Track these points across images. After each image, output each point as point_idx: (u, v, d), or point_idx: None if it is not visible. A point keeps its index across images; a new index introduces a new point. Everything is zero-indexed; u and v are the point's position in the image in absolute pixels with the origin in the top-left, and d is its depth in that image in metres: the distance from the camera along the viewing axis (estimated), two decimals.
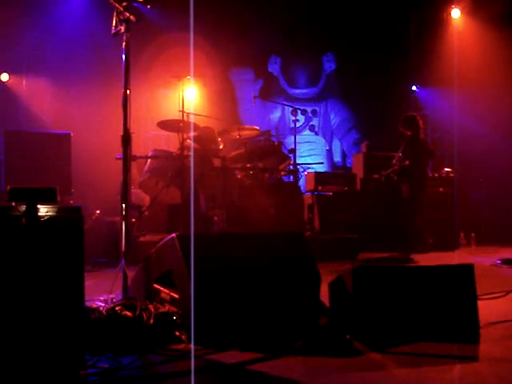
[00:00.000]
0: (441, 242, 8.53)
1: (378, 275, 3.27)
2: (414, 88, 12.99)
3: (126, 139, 3.67)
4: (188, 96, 7.35)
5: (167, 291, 3.39)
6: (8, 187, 2.85)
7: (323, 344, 3.12)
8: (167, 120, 7.44)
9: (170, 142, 9.64)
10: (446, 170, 9.74)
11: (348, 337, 3.14)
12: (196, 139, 7.40)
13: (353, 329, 3.18)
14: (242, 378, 2.71)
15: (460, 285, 3.33)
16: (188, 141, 7.11)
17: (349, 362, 2.88)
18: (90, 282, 2.94)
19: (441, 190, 9.33)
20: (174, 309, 3.27)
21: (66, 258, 2.77)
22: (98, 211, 7.39)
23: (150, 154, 7.54)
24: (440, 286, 3.31)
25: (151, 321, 3.16)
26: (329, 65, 13.32)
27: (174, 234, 3.31)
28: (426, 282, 3.32)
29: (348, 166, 12.40)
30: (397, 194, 7.93)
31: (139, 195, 7.80)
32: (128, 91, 3.69)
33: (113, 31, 3.76)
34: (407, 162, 7.74)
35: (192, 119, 7.55)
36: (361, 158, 9.27)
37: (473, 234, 9.70)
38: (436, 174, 9.53)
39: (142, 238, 6.95)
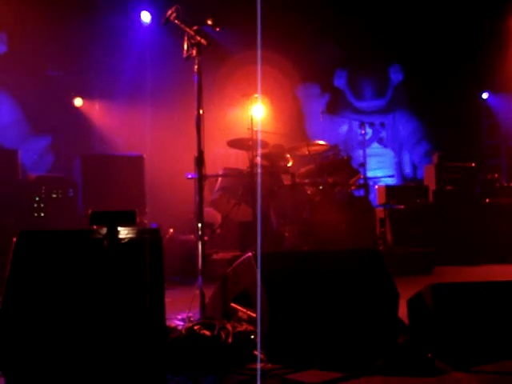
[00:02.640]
0: None
1: (459, 291, 3.18)
2: (484, 95, 12.67)
3: (200, 160, 3.73)
4: (256, 114, 7.41)
5: (244, 310, 3.41)
6: (90, 211, 2.94)
7: (404, 363, 3.06)
8: (237, 138, 7.53)
9: (239, 160, 9.74)
10: None
11: (429, 355, 3.07)
12: (265, 156, 7.45)
13: (434, 347, 3.10)
14: None
15: None
16: (258, 158, 7.16)
17: (432, 382, 2.81)
18: (165, 301, 2.99)
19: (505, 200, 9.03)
20: (251, 328, 3.28)
21: (146, 278, 2.83)
22: (171, 230, 7.52)
23: (220, 173, 7.63)
24: None
25: (229, 340, 3.17)
26: (396, 76, 13.17)
27: (250, 253, 3.33)
28: (510, 297, 3.20)
29: (418, 177, 12.17)
30: None
31: (211, 213, 7.89)
32: (201, 112, 3.76)
33: (184, 55, 3.84)
34: None
35: (260, 136, 7.61)
36: (432, 170, 9.08)
37: None
38: (511, 184, 9.23)
39: (214, 256, 7.02)
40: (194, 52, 3.75)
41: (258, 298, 3.07)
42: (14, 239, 2.70)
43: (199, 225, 3.73)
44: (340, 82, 13.05)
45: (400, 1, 11.38)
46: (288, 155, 7.70)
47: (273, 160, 7.48)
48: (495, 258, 8.00)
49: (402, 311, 3.47)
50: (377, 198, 8.65)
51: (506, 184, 9.13)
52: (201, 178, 3.74)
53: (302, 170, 7.87)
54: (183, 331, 3.29)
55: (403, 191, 8.55)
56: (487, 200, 8.96)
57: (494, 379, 2.83)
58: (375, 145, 12.93)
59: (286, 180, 7.45)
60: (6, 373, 2.53)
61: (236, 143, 7.63)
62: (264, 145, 7.65)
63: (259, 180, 7.00)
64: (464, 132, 11.87)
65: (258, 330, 3.03)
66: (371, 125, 11.99)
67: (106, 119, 10.58)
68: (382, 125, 12.99)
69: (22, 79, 9.40)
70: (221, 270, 4.48)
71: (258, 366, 2.97)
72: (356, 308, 3.29)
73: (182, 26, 3.85)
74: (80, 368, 2.61)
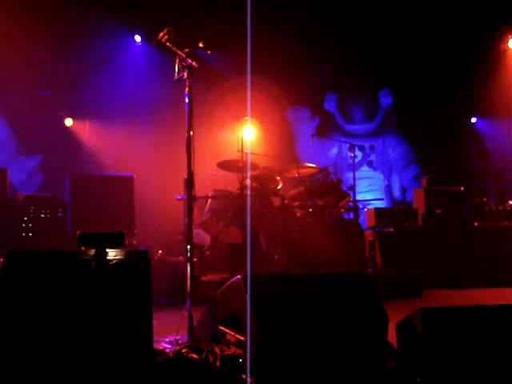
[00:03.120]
0: (509, 277, 8.26)
1: (448, 315, 3.18)
2: (473, 120, 12.79)
3: (190, 181, 3.73)
4: (246, 136, 7.44)
5: (233, 333, 3.38)
6: (78, 232, 2.93)
7: None
8: (227, 160, 7.54)
9: (228, 182, 9.75)
10: (511, 202, 9.47)
11: (418, 380, 3.05)
12: (255, 178, 7.46)
13: (423, 372, 3.09)
14: None
15: None
16: (247, 180, 7.18)
17: None
18: (153, 323, 2.96)
19: (505, 223, 9.07)
20: (239, 351, 3.25)
21: (134, 300, 2.81)
22: (160, 251, 7.50)
23: (210, 194, 7.63)
24: None
25: (217, 363, 3.15)
26: (385, 99, 13.28)
27: (239, 276, 3.32)
28: (501, 322, 3.20)
29: (408, 200, 12.22)
30: None
31: (200, 235, 7.88)
32: (191, 134, 3.77)
33: (176, 77, 3.86)
34: None
35: (250, 159, 7.63)
36: (421, 193, 9.12)
37: None
38: (500, 207, 9.28)
39: (203, 278, 6.99)
40: (185, 74, 3.77)
41: (248, 321, 3.05)
42: (1, 260, 2.68)
43: (188, 246, 3.72)
44: (330, 105, 13.15)
45: (390, 25, 11.50)
46: (278, 177, 7.71)
47: (262, 182, 7.49)
48: (484, 281, 8.02)
49: (391, 335, 3.46)
50: (366, 220, 8.66)
51: (494, 208, 9.18)
52: (190, 199, 3.73)
53: (292, 192, 7.89)
54: (171, 354, 3.26)
55: (392, 214, 8.57)
56: (476, 224, 9.00)
57: None
58: (365, 168, 12.99)
59: (276, 202, 7.46)
60: None
61: (226, 165, 7.64)
62: (254, 167, 7.66)
63: (249, 202, 7.01)
64: (453, 156, 11.96)
65: (248, 355, 3.01)
66: (361, 148, 12.12)
67: (97, 139, 10.58)
68: (372, 148, 13.08)
69: (12, 98, 9.40)
70: (210, 292, 4.46)
71: None
72: (345, 332, 3.28)
73: (174, 48, 3.87)
74: None
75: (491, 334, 3.17)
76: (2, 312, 2.59)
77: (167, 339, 3.77)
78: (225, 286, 3.55)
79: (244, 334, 3.24)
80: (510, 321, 3.23)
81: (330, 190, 7.81)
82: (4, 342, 2.56)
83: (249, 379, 2.98)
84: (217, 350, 3.27)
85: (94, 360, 2.66)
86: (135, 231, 7.65)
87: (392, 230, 8.35)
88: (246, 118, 7.21)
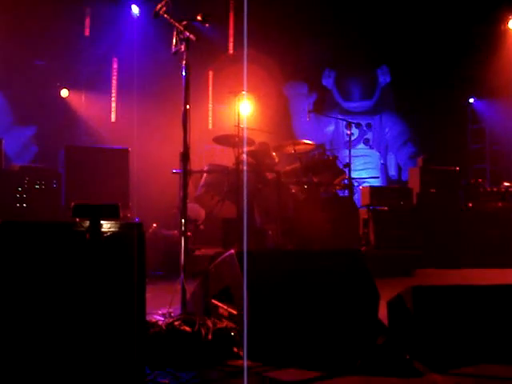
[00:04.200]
0: (500, 258, 8.31)
1: (439, 294, 3.21)
2: (470, 100, 12.76)
3: (186, 155, 3.72)
4: (243, 111, 7.41)
5: (225, 307, 3.41)
6: (72, 203, 2.92)
7: (382, 363, 3.08)
8: (223, 135, 7.52)
9: (224, 157, 9.73)
10: (506, 184, 9.49)
11: (408, 356, 3.09)
12: (251, 154, 7.45)
13: (413, 348, 3.13)
14: None
15: None
16: (243, 155, 7.16)
17: (409, 383, 2.83)
18: (147, 295, 2.98)
19: (500, 204, 9.10)
20: (231, 325, 3.28)
21: (128, 272, 2.82)
22: (154, 224, 7.50)
23: (205, 169, 7.62)
24: (505, 305, 3.22)
25: (209, 336, 3.18)
26: (383, 77, 13.22)
27: (232, 251, 3.33)
28: (489, 301, 3.23)
29: (403, 179, 12.24)
30: None
31: (195, 209, 7.88)
32: (188, 107, 3.76)
33: (173, 50, 3.83)
34: None
35: (246, 134, 7.61)
36: (417, 172, 9.12)
37: None
38: (495, 188, 9.30)
39: (197, 252, 7.01)
40: (183, 47, 3.74)
41: (245, 296, 3.07)
42: None
43: (183, 220, 3.72)
44: (328, 81, 13.09)
45: (389, 3, 11.41)
46: (274, 153, 7.71)
47: (258, 158, 7.48)
48: (477, 261, 8.07)
49: (383, 312, 3.49)
50: (361, 198, 8.68)
51: (489, 189, 9.20)
52: (186, 173, 3.73)
53: (288, 168, 7.89)
54: (163, 326, 3.28)
55: (387, 193, 8.58)
56: (470, 204, 9.03)
57: (470, 382, 2.85)
58: (361, 146, 12.98)
59: (271, 178, 7.46)
60: None
61: (222, 140, 7.63)
62: (250, 142, 7.65)
63: (245, 177, 7.00)
64: (449, 136, 11.94)
65: (245, 329, 3.04)
66: (358, 125, 12.08)
67: (92, 111, 10.52)
68: (369, 126, 13.05)
69: (7, 68, 9.31)
70: (203, 266, 4.48)
71: (245, 363, 2.98)
72: (336, 308, 3.31)
73: (172, 20, 3.83)
74: (58, 360, 2.60)
75: (481, 313, 3.21)
76: None
77: (160, 312, 3.79)
78: (218, 260, 3.57)
79: (236, 307, 3.26)
80: (500, 300, 3.26)
81: (326, 167, 7.81)
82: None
83: (245, 352, 3.00)
84: (209, 323, 3.30)
85: (87, 331, 2.67)
86: (130, 204, 7.64)
87: (386, 208, 8.37)
88: (243, 92, 7.17)
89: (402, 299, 3.27)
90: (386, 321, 3.48)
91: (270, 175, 7.51)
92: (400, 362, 3.08)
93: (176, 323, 3.30)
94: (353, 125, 8.50)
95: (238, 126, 7.07)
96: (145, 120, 10.03)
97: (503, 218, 8.95)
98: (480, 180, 9.51)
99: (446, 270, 7.67)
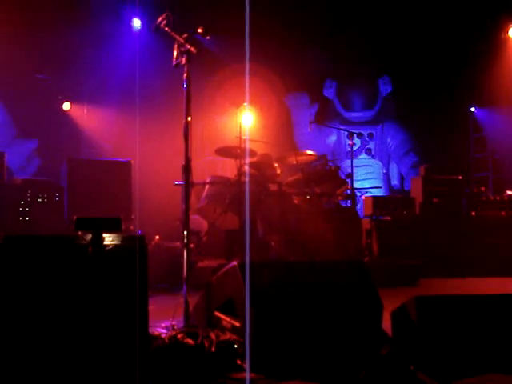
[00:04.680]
0: (505, 267, 8.28)
1: (443, 304, 3.19)
2: (472, 109, 12.77)
3: (187, 167, 3.72)
4: (244, 122, 7.42)
5: (228, 319, 3.40)
6: (75, 217, 2.93)
7: (386, 374, 3.06)
8: (225, 146, 7.53)
9: (226, 168, 9.75)
10: (509, 192, 9.48)
11: (412, 367, 3.07)
12: (253, 165, 7.46)
13: (417, 359, 3.11)
14: None
15: None
16: (245, 167, 7.17)
17: None
18: (150, 308, 2.98)
19: (503, 213, 9.08)
20: (235, 337, 3.27)
21: (130, 285, 2.82)
22: (157, 237, 7.49)
23: (207, 181, 7.62)
24: (509, 315, 3.20)
25: (213, 349, 3.16)
26: (385, 87, 13.24)
27: (235, 263, 3.33)
28: (494, 311, 3.22)
29: (406, 189, 12.23)
30: None
31: (197, 221, 7.88)
32: (189, 119, 3.76)
33: (174, 62, 3.84)
34: None
35: (248, 145, 7.62)
36: (419, 182, 9.12)
37: None
38: (498, 197, 9.29)
39: (200, 264, 7.00)
40: (184, 60, 3.75)
41: (247, 307, 3.06)
42: None
43: (185, 232, 3.72)
44: (329, 92, 13.12)
45: (390, 13, 11.45)
46: (276, 164, 7.71)
47: (260, 169, 7.48)
48: (480, 270, 8.03)
49: (386, 323, 3.47)
50: (363, 208, 8.67)
51: (492, 197, 9.19)
52: (187, 185, 3.73)
53: (290, 179, 7.89)
54: (166, 339, 3.27)
55: (390, 203, 8.57)
56: (473, 213, 9.01)
57: None
58: (363, 156, 12.98)
59: (274, 189, 7.46)
60: None
61: (224, 151, 7.63)
62: (252, 153, 7.66)
63: (247, 189, 7.00)
64: (451, 145, 11.95)
65: (247, 341, 3.03)
66: (359, 135, 12.09)
67: (94, 124, 10.55)
68: (371, 136, 13.06)
69: (9, 81, 9.35)
70: (206, 278, 4.47)
71: (247, 375, 2.97)
72: (340, 319, 3.30)
73: (172, 33, 3.85)
74: (61, 374, 2.60)
75: (485, 324, 3.19)
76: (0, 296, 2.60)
77: (163, 324, 3.78)
78: (221, 272, 3.56)
79: (239, 319, 3.25)
80: (505, 310, 3.24)
81: (328, 177, 7.81)
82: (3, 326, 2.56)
83: (248, 364, 2.99)
84: (212, 335, 3.28)
85: (90, 345, 2.67)
86: (132, 216, 7.64)
87: (389, 218, 8.36)
88: (245, 104, 7.18)
89: (405, 309, 3.25)
90: (389, 331, 3.47)
91: (272, 186, 7.51)
92: (404, 373, 3.06)
93: (179, 336, 3.29)
94: (354, 135, 8.50)
95: (240, 137, 7.08)
96: (147, 132, 10.04)
97: (507, 227, 8.93)
98: (483, 189, 9.49)
99: (449, 280, 7.64)
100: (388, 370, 3.11)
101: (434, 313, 3.16)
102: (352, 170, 7.95)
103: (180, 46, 3.78)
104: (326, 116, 12.78)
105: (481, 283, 7.26)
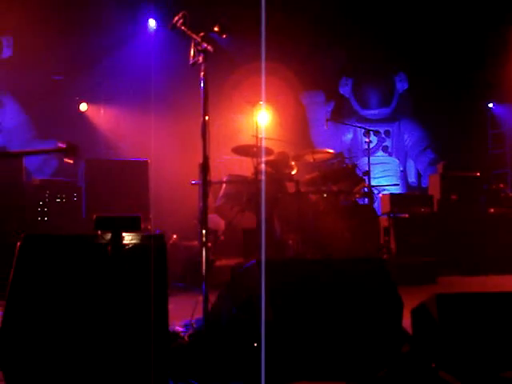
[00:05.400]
0: None
1: (464, 302, 3.16)
2: (490, 105, 12.66)
3: (205, 166, 3.72)
4: (261, 121, 7.41)
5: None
6: (94, 216, 2.94)
7: (407, 373, 3.04)
8: (241, 145, 7.53)
9: (243, 167, 9.74)
10: None
11: (433, 365, 3.05)
12: (270, 164, 7.45)
13: (438, 357, 3.08)
14: None
15: None
16: (262, 165, 7.16)
17: None
18: (169, 307, 2.98)
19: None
20: None
21: (149, 284, 2.82)
22: (174, 236, 7.52)
23: (224, 179, 7.62)
24: None
25: None
26: (401, 84, 13.17)
27: (254, 261, 3.32)
28: None
29: (423, 186, 12.15)
30: None
31: (215, 220, 7.88)
32: (207, 119, 3.76)
33: (191, 61, 3.84)
34: None
35: (265, 143, 7.61)
36: (437, 179, 9.06)
37: None
38: None
39: (217, 263, 7.00)
40: (201, 59, 3.74)
41: (262, 306, 3.06)
42: (19, 243, 2.70)
43: (203, 231, 3.72)
44: (345, 89, 13.07)
45: (406, 10, 11.38)
46: (293, 163, 7.69)
47: (277, 167, 7.47)
48: (499, 268, 7.97)
49: (406, 321, 3.45)
50: (381, 206, 8.63)
51: (511, 194, 9.10)
52: (205, 184, 3.73)
53: (307, 177, 7.86)
54: (186, 338, 3.28)
55: (408, 200, 8.53)
56: (492, 210, 8.93)
57: None
58: (380, 153, 12.92)
59: (291, 187, 7.44)
60: (7, 374, 2.53)
61: (241, 150, 7.63)
62: (269, 152, 7.64)
63: (263, 187, 6.99)
64: (469, 141, 11.85)
65: (262, 340, 3.02)
66: (376, 133, 12.01)
67: (111, 124, 10.59)
68: (387, 133, 12.99)
69: (27, 83, 9.42)
70: (224, 277, 4.46)
71: (263, 374, 2.96)
72: (360, 317, 3.28)
73: (189, 32, 3.85)
74: (83, 373, 2.61)
75: (507, 321, 3.16)
76: (19, 295, 2.61)
77: (182, 323, 3.79)
78: (241, 270, 3.56)
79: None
80: None
81: (345, 175, 7.77)
82: (21, 325, 2.58)
83: (263, 364, 2.98)
84: None
85: (110, 343, 2.68)
86: (150, 216, 7.67)
87: (407, 215, 8.31)
88: (261, 102, 7.17)
89: (426, 307, 3.23)
90: (410, 329, 3.44)
91: (289, 185, 7.50)
92: (425, 372, 3.04)
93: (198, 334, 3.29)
94: (371, 132, 8.45)
95: (257, 136, 7.07)
96: (164, 132, 10.07)
97: None
98: (501, 185, 9.40)
99: (468, 278, 7.59)
100: (409, 368, 3.09)
101: (455, 310, 3.13)
102: (369, 168, 7.90)
103: (197, 44, 3.77)
104: (342, 114, 12.73)
105: (501, 280, 7.21)
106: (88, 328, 2.67)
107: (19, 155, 5.76)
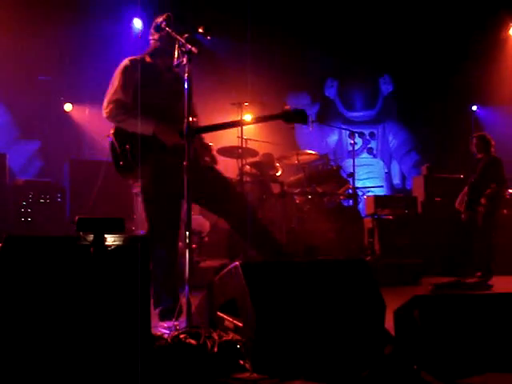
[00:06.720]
0: (506, 266, 8.27)
1: (446, 303, 3.19)
2: (474, 108, 12.76)
3: (188, 168, 3.71)
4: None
5: (231, 319, 3.39)
6: (76, 217, 2.92)
7: (390, 374, 3.05)
8: (226, 146, 7.52)
9: (228, 169, 9.72)
10: (510, 191, 9.46)
11: (415, 367, 3.06)
12: (255, 165, 7.46)
13: (420, 358, 3.10)
14: None
15: None
16: (247, 167, 7.17)
17: None
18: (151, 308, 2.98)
19: (505, 211, 9.07)
20: (237, 337, 3.26)
21: (132, 286, 2.82)
22: None
23: None
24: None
25: (215, 349, 3.16)
26: (386, 87, 13.25)
27: (237, 262, 3.32)
28: (496, 310, 3.21)
29: (408, 188, 12.23)
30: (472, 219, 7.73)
31: (199, 221, 7.87)
32: (190, 120, 3.75)
33: (175, 62, 3.83)
34: (494, 185, 7.59)
35: (249, 145, 7.62)
36: (421, 181, 9.13)
37: None
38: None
39: (202, 264, 7.00)
40: (185, 60, 3.74)
41: (247, 308, 3.06)
42: (0, 244, 2.68)
43: (187, 233, 3.71)
44: (330, 91, 13.12)
45: (392, 13, 11.44)
46: (277, 164, 7.71)
47: (262, 169, 7.48)
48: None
49: (389, 323, 3.47)
50: (365, 208, 8.67)
51: None
52: (189, 185, 3.72)
53: (292, 179, 7.89)
54: (169, 340, 3.27)
55: (392, 202, 8.57)
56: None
57: None
58: (365, 155, 12.98)
59: (275, 189, 7.46)
60: None
61: (225, 151, 7.62)
62: (253, 153, 7.65)
63: (248, 189, 6.99)
64: (453, 144, 11.94)
65: (249, 341, 3.02)
66: (361, 135, 12.09)
67: (96, 125, 10.54)
68: (372, 135, 13.06)
69: (11, 83, 9.36)
70: (208, 279, 4.47)
71: None
72: (342, 318, 3.29)
73: (173, 33, 3.85)
74: (61, 375, 2.59)
75: (488, 322, 3.19)
76: (1, 297, 2.59)
77: (165, 325, 3.78)
78: (223, 272, 3.55)
79: (242, 320, 3.25)
80: (507, 308, 3.24)
81: (330, 176, 7.81)
82: (3, 327, 2.56)
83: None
84: (215, 335, 3.28)
85: (92, 345, 2.67)
86: (134, 216, 7.65)
87: (391, 217, 8.36)
88: (246, 103, 7.18)
89: (408, 309, 3.25)
90: (392, 331, 3.46)
91: (273, 186, 7.51)
92: (407, 373, 3.05)
93: (181, 336, 3.28)
94: (356, 134, 8.49)
95: (241, 137, 7.08)
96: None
97: (509, 226, 8.92)
98: None
99: (451, 279, 7.63)
100: (391, 369, 3.10)
101: (436, 312, 3.15)
102: (354, 170, 7.94)
103: (181, 45, 3.77)
104: (327, 116, 12.78)
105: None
106: (71, 330, 2.66)
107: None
